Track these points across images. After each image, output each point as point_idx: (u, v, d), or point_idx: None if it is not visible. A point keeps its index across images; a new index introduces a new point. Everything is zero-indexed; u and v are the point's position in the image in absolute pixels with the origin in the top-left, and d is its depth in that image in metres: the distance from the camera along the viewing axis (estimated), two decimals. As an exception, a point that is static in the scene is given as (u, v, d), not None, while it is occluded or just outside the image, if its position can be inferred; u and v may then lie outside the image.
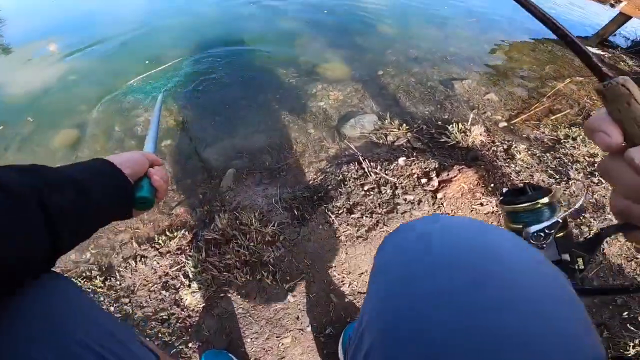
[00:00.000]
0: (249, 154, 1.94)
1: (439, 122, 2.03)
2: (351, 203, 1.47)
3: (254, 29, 3.25)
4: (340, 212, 1.45)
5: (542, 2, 4.91)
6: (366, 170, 1.59)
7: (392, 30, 3.37)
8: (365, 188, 1.52)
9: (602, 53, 3.37)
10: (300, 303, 1.22)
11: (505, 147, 1.75)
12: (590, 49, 2.93)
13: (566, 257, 0.48)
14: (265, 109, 2.25)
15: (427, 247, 0.34)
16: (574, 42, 0.34)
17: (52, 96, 2.47)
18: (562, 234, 0.49)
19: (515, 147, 1.73)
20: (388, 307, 0.32)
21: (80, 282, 1.37)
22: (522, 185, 0.55)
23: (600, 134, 0.31)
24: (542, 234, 0.47)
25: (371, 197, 1.47)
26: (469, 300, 0.27)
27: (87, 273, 1.40)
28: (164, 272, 1.36)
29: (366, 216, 1.39)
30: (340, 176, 1.63)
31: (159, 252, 1.43)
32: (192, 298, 1.24)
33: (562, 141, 1.91)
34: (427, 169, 1.52)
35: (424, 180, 1.45)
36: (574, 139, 1.90)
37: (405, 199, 1.40)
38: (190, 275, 1.29)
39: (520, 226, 0.50)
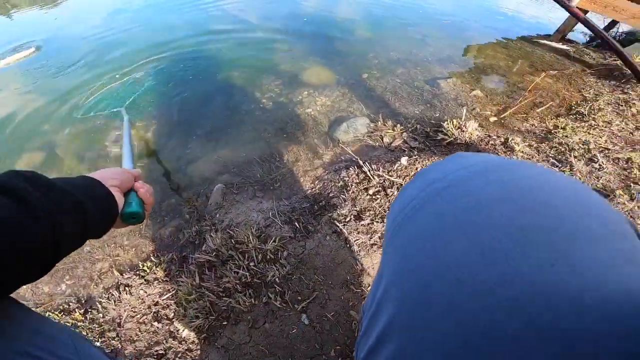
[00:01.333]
0: (237, 168, 1.86)
1: (432, 121, 2.04)
2: (358, 209, 1.41)
3: (233, 38, 3.21)
4: (347, 220, 1.38)
5: (496, 4, 5.27)
6: (368, 173, 1.54)
7: (371, 34, 3.43)
8: (371, 192, 1.47)
9: (567, 48, 3.59)
10: (317, 325, 1.09)
11: (502, 140, 1.77)
12: (554, 44, 3.15)
13: None
14: (250, 119, 2.17)
15: (456, 198, 0.30)
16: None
17: (9, 118, 2.28)
18: None
19: (513, 139, 1.76)
20: (417, 265, 0.28)
21: (57, 316, 1.24)
22: None
23: None
24: None
25: (378, 200, 1.42)
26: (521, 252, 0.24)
27: (65, 306, 1.29)
28: (154, 301, 1.25)
29: (377, 221, 1.33)
30: (341, 182, 1.57)
31: (145, 279, 1.33)
32: (189, 329, 1.12)
33: (552, 131, 1.97)
34: (435, 166, 1.50)
35: (434, 178, 1.43)
36: (564, 128, 1.97)
37: (417, 199, 1.36)
38: (185, 304, 1.19)
39: None
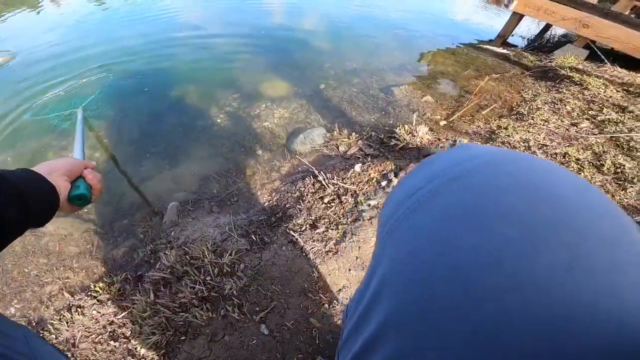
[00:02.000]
0: (192, 185, 1.86)
1: (386, 127, 2.14)
2: (313, 218, 1.45)
3: (190, 51, 3.20)
4: (303, 229, 1.42)
5: (445, 13, 5.63)
6: (323, 182, 1.60)
7: (327, 45, 3.55)
8: (326, 200, 1.52)
9: (507, 52, 3.90)
10: (277, 335, 1.11)
11: (451, 142, 1.90)
12: (496, 49, 3.42)
13: None
14: (206, 135, 2.17)
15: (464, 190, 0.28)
16: None
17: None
18: None
19: (460, 141, 1.89)
20: (422, 262, 0.26)
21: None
22: None
23: None
24: None
25: (333, 208, 1.47)
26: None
27: None
28: (109, 320, 1.24)
29: (332, 229, 1.38)
30: (297, 193, 1.61)
31: (98, 300, 1.32)
32: (147, 346, 1.11)
33: (496, 132, 2.13)
34: (385, 171, 1.57)
35: (384, 183, 1.50)
36: (506, 128, 2.14)
37: (369, 205, 1.42)
38: (140, 321, 1.18)
39: None
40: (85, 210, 1.73)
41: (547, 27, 4.85)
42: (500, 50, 3.89)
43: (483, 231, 0.24)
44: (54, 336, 1.20)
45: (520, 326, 0.20)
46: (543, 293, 0.20)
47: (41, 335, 1.22)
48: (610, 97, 2.53)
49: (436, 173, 0.31)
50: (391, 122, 2.25)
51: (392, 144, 1.90)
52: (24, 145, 2.08)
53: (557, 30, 4.73)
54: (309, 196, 1.55)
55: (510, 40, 4.42)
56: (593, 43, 3.56)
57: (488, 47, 3.98)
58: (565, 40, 4.33)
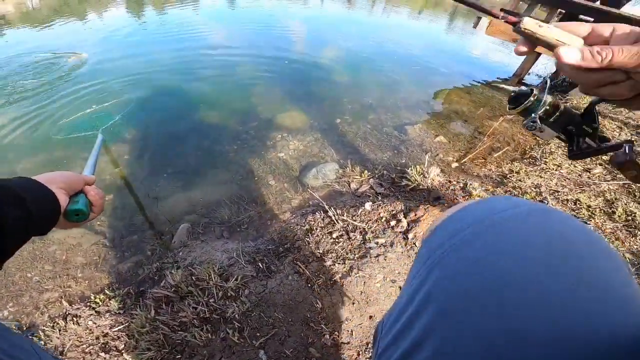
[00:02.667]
0: (205, 208, 1.93)
1: (398, 167, 2.21)
2: (321, 251, 1.50)
3: (214, 77, 3.41)
4: (310, 261, 1.46)
5: (463, 50, 5.82)
6: (333, 218, 1.66)
7: (346, 79, 3.73)
8: (334, 235, 1.58)
9: (524, 93, 3.99)
10: None
11: (461, 185, 1.95)
12: (512, 88, 3.50)
13: (571, 128, 0.66)
14: (222, 160, 2.28)
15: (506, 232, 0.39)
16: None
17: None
18: (556, 115, 0.65)
19: (471, 184, 1.94)
20: (466, 281, 0.36)
21: None
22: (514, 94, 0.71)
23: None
24: (532, 122, 0.65)
25: (341, 243, 1.53)
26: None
27: None
28: (103, 332, 1.27)
29: (338, 263, 1.43)
30: (307, 226, 1.67)
31: (96, 311, 1.36)
32: None
33: (507, 176, 2.17)
34: (394, 212, 1.63)
35: (392, 223, 1.55)
36: (518, 172, 2.19)
37: (377, 243, 1.47)
38: (137, 336, 1.20)
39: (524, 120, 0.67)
40: (98, 222, 1.82)
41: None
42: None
43: (516, 264, 0.35)
44: (42, 342, 1.23)
45: (542, 326, 0.29)
46: (556, 302, 0.30)
47: (30, 339, 1.24)
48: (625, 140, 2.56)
49: (478, 219, 0.42)
50: (403, 161, 2.32)
51: (403, 184, 1.96)
52: (45, 157, 2.24)
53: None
54: (318, 230, 1.61)
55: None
56: None
57: (504, 86, 4.10)
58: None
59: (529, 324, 0.29)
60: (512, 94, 0.74)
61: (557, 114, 0.66)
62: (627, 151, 0.62)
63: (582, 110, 0.66)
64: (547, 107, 0.65)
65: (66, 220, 0.58)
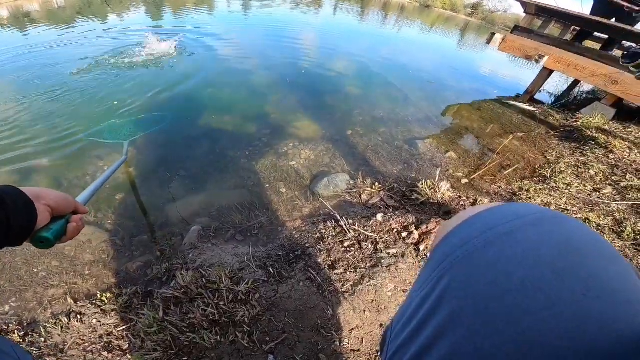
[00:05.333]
0: (216, 212, 1.99)
1: (408, 181, 2.29)
2: (332, 259, 1.57)
3: (231, 83, 3.56)
4: (321, 268, 1.53)
5: (473, 66, 5.95)
6: (345, 227, 1.73)
7: (360, 91, 3.86)
8: (346, 244, 1.65)
9: (534, 109, 4.09)
10: None
11: (471, 201, 2.02)
12: (523, 105, 3.62)
13: None
14: (234, 166, 2.37)
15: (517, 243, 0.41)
16: None
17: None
18: None
19: (481, 200, 2.01)
20: (480, 287, 0.38)
21: None
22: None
23: None
24: None
25: (352, 252, 1.59)
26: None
27: (3, 326, 1.31)
28: (107, 331, 1.27)
29: (350, 271, 1.49)
30: (318, 234, 1.74)
31: (102, 309, 1.37)
32: None
33: (517, 193, 2.25)
34: (406, 224, 1.70)
35: (404, 234, 1.62)
36: (527, 190, 2.26)
37: (388, 253, 1.54)
38: (143, 336, 1.21)
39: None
40: (109, 221, 1.87)
41: (575, 83, 5.07)
42: (527, 107, 4.08)
43: (526, 270, 0.37)
44: (42, 339, 1.24)
45: (552, 333, 0.31)
46: (567, 308, 0.32)
47: (30, 335, 1.27)
48: (635, 161, 2.64)
49: (490, 226, 0.45)
50: (413, 175, 2.40)
51: (413, 197, 2.04)
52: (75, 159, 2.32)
53: (585, 87, 4.91)
54: (329, 239, 1.68)
55: (538, 96, 4.62)
56: (621, 101, 3.69)
57: (515, 103, 4.19)
58: (593, 97, 4.49)
59: (539, 331, 0.31)
60: (626, 51, 0.94)
61: None
62: None
63: None
64: None
65: (29, 240, 0.56)
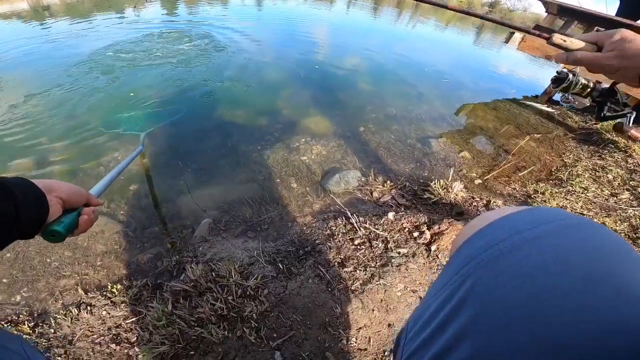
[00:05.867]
0: (227, 205, 2.00)
1: (421, 180, 2.26)
2: (342, 257, 1.56)
3: (244, 78, 3.55)
4: (331, 265, 1.52)
5: (490, 65, 5.85)
6: (355, 225, 1.72)
7: (373, 88, 3.82)
8: (356, 242, 1.64)
9: (552, 110, 3.99)
10: None
11: (484, 202, 1.99)
12: (541, 106, 3.54)
13: (599, 99, 0.91)
14: (246, 160, 2.37)
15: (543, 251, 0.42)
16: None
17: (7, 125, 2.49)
18: (587, 91, 0.92)
19: (494, 202, 1.98)
20: (504, 291, 0.38)
21: (2, 325, 1.29)
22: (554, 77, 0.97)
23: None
24: (568, 96, 0.95)
25: (363, 251, 1.59)
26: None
27: (14, 317, 1.33)
28: (116, 323, 1.29)
29: (360, 270, 1.49)
30: (328, 231, 1.74)
31: (112, 301, 1.39)
32: (151, 355, 1.16)
33: (532, 196, 2.20)
34: (418, 223, 1.68)
35: (415, 234, 1.61)
36: (543, 193, 2.22)
37: (399, 252, 1.53)
38: (151, 329, 1.23)
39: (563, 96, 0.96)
40: (121, 212, 1.89)
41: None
42: (545, 108, 4.00)
43: (555, 277, 0.37)
44: (52, 330, 1.26)
45: (581, 334, 0.31)
46: (596, 313, 0.32)
47: (40, 326, 1.30)
48: None
49: (516, 230, 0.45)
50: (426, 174, 2.38)
51: (425, 196, 2.02)
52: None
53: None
54: (339, 236, 1.68)
55: (556, 97, 4.52)
56: None
57: (532, 103, 4.10)
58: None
59: (568, 335, 0.31)
60: (554, 76, 0.97)
61: (589, 90, 0.92)
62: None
63: (609, 85, 0.90)
64: (581, 85, 0.91)
65: (40, 233, 0.56)
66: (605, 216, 2.03)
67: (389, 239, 1.62)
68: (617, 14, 4.05)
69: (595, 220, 2.00)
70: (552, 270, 0.38)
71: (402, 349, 0.49)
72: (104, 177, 0.93)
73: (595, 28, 4.60)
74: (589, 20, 4.21)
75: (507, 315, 0.36)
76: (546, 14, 4.35)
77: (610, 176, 2.46)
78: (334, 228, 1.74)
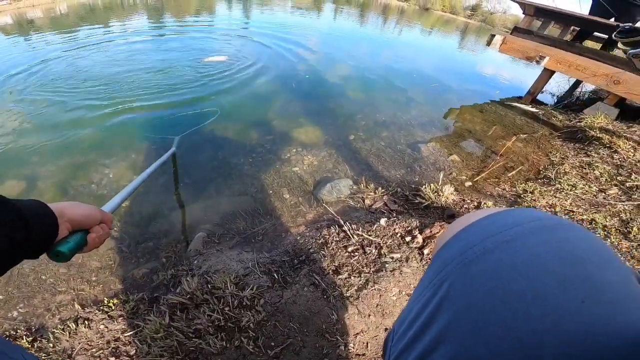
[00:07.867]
0: (220, 218, 2.03)
1: (412, 185, 2.31)
2: (336, 264, 1.59)
3: (234, 90, 3.61)
4: (325, 273, 1.55)
5: (474, 68, 5.99)
6: (348, 232, 1.75)
7: (362, 96, 3.91)
8: (349, 249, 1.67)
9: (537, 110, 4.10)
10: None
11: (475, 204, 2.04)
12: (525, 107, 3.65)
13: None
14: (238, 173, 2.40)
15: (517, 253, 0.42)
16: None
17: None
18: None
19: (485, 203, 2.03)
20: (480, 296, 0.39)
21: None
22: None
23: None
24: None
25: (356, 257, 1.61)
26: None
27: (12, 332, 1.33)
28: (114, 337, 1.30)
29: (354, 276, 1.51)
30: (322, 239, 1.76)
31: (109, 315, 1.40)
32: None
33: (522, 195, 2.26)
34: (410, 228, 1.72)
35: (408, 239, 1.65)
36: (532, 192, 2.27)
37: (392, 257, 1.56)
38: (149, 341, 1.23)
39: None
40: (115, 228, 1.90)
41: (578, 83, 5.09)
42: (529, 108, 4.11)
43: (528, 280, 0.38)
44: (51, 345, 1.26)
45: (552, 336, 0.32)
46: (566, 314, 0.32)
47: (39, 341, 1.30)
48: (639, 161, 2.65)
49: (489, 234, 0.46)
50: (417, 179, 2.42)
51: (416, 201, 2.06)
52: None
53: (587, 87, 4.93)
54: (333, 244, 1.71)
55: (540, 97, 4.64)
56: (624, 100, 3.68)
57: (517, 104, 4.21)
58: (596, 97, 4.51)
59: (539, 338, 0.32)
60: (620, 27, 1.04)
61: None
62: None
63: None
64: None
65: (47, 253, 0.57)
66: (595, 212, 2.08)
67: (382, 244, 1.65)
68: (590, 13, 4.21)
69: (585, 217, 2.06)
70: (524, 273, 0.38)
71: (390, 350, 0.50)
72: (121, 192, 0.94)
73: (572, 28, 4.77)
74: (565, 20, 4.37)
75: (482, 319, 0.37)
76: (524, 15, 4.49)
77: (597, 172, 2.53)
78: (327, 236, 1.77)
